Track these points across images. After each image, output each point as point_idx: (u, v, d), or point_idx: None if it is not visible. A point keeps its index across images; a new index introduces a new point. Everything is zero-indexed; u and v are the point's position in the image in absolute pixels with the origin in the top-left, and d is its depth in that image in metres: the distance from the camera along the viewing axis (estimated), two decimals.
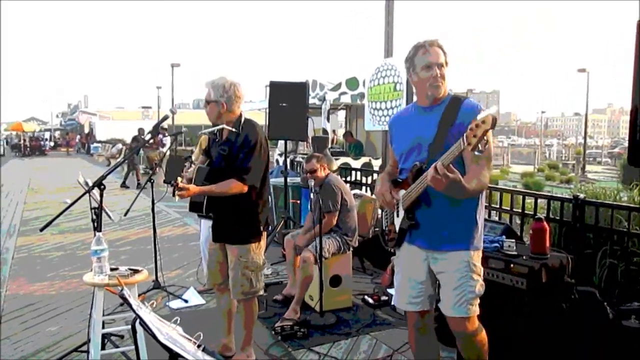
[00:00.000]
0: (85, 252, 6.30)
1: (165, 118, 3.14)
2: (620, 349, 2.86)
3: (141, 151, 15.87)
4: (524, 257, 2.98)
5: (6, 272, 5.72)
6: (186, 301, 4.63)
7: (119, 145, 21.66)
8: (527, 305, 2.87)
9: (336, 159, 9.19)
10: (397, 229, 2.57)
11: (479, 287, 2.44)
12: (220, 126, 3.10)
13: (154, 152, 14.96)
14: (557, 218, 4.13)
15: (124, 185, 13.83)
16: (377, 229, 6.32)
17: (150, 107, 42.94)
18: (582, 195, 3.98)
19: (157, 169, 7.29)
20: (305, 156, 4.82)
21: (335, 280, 4.48)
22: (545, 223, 3.06)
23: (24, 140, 36.21)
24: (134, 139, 13.65)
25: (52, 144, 42.25)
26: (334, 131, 15.07)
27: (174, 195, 2.90)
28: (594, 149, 46.38)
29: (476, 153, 2.01)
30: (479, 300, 2.45)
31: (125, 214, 4.57)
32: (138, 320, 1.61)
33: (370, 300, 4.60)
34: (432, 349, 2.76)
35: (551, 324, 2.85)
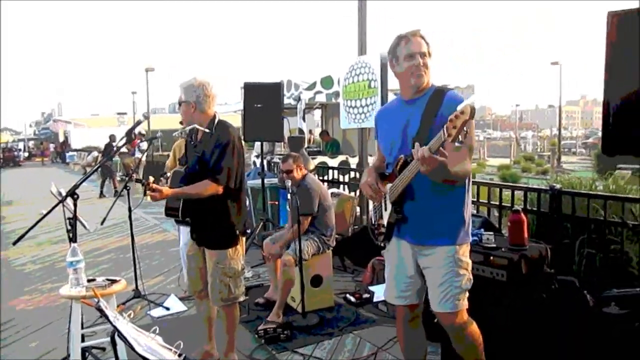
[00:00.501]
0: (63, 264, 6.18)
1: (139, 123, 3.10)
2: (601, 335, 2.90)
3: (117, 158, 15.66)
4: (503, 249, 3.00)
5: None
6: (167, 309, 4.56)
7: (95, 153, 21.32)
8: (508, 296, 2.88)
9: (313, 159, 9.16)
10: (386, 223, 2.56)
11: (466, 281, 2.43)
12: (192, 126, 3.05)
13: (129, 158, 14.77)
14: (535, 209, 4.17)
15: (102, 194, 13.63)
16: (356, 227, 6.34)
17: (125, 113, 42.41)
18: (558, 186, 4.03)
19: (134, 175, 7.19)
20: (282, 157, 4.78)
21: (316, 280, 4.46)
22: (522, 215, 3.09)
23: None
24: (107, 146, 13.42)
25: (26, 154, 41.44)
26: (310, 131, 15.05)
27: (144, 194, 2.83)
28: (568, 139, 47.19)
29: (456, 144, 2.01)
30: (467, 294, 2.46)
31: (102, 223, 4.47)
32: (116, 333, 1.57)
33: (352, 299, 4.60)
34: (420, 343, 2.77)
35: (532, 315, 2.87)
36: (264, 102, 6.35)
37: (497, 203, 4.56)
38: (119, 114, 43.93)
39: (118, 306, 4.44)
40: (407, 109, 2.46)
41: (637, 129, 2.59)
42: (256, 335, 3.91)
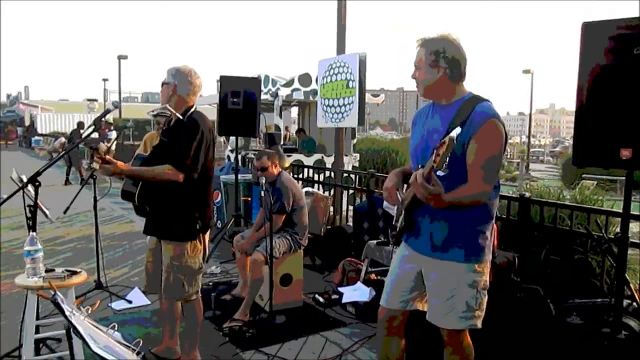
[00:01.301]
0: (22, 251, 5.98)
1: (108, 112, 2.99)
2: (562, 345, 2.93)
3: (82, 146, 15.29)
4: None
5: None
6: (130, 302, 4.46)
7: (62, 139, 20.80)
8: None
9: (288, 156, 9.12)
10: (398, 227, 2.48)
11: (473, 300, 2.29)
12: (164, 106, 2.97)
13: (98, 145, 14.44)
14: (504, 216, 4.21)
15: (67, 182, 13.31)
16: (329, 227, 6.32)
17: (96, 99, 41.50)
18: (527, 194, 4.07)
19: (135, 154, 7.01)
20: (257, 153, 4.72)
21: (286, 280, 4.42)
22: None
23: None
24: (73, 132, 13.07)
25: None
26: (287, 127, 14.97)
27: (91, 160, 2.66)
28: (537, 147, 48.10)
29: (439, 173, 1.95)
30: (476, 313, 2.31)
31: (65, 212, 4.33)
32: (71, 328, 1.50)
33: (321, 299, 4.57)
34: (395, 348, 2.62)
35: (497, 322, 2.89)
36: (241, 96, 6.26)
37: None
38: (88, 100, 42.90)
39: (77, 298, 4.32)
40: (437, 115, 2.35)
41: (608, 140, 2.63)
42: (221, 333, 3.84)
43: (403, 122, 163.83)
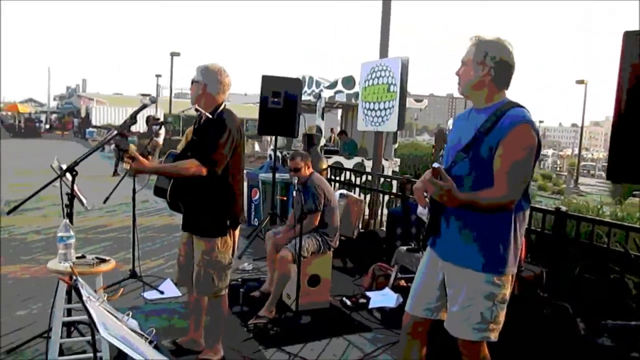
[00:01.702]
0: (77, 237, 6.21)
1: (144, 107, 3.08)
2: None
3: (135, 139, 15.78)
4: None
5: None
6: (162, 292, 4.58)
7: (114, 132, 21.53)
8: None
9: (328, 158, 9.14)
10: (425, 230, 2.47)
11: (486, 311, 2.24)
12: (194, 106, 3.04)
13: (146, 139, 14.87)
14: (538, 230, 4.09)
15: (115, 173, 13.78)
16: (362, 230, 6.30)
17: (149, 94, 42.73)
18: (564, 208, 3.94)
19: (150, 157, 7.22)
20: (290, 154, 4.75)
21: (314, 280, 4.43)
22: None
23: (19, 121, 36.00)
24: (124, 125, 13.50)
25: (47, 126, 42.01)
26: (332, 129, 14.99)
27: (121, 160, 2.78)
28: (589, 161, 46.41)
29: (435, 164, 1.98)
30: (493, 327, 2.26)
31: (105, 201, 4.49)
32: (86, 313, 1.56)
33: (348, 303, 4.56)
34: (416, 356, 2.60)
35: (521, 338, 2.81)
36: (281, 96, 6.33)
37: None
38: (142, 95, 44.26)
39: (111, 286, 4.47)
40: (472, 118, 2.33)
41: None
42: (246, 329, 3.89)
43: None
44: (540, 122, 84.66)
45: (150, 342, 1.81)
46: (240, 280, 4.85)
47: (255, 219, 7.62)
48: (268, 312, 4.08)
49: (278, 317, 4.09)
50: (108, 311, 1.76)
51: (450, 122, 2.19)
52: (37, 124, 37.49)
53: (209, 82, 3.05)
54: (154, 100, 3.09)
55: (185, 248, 3.26)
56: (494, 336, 2.28)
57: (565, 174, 26.82)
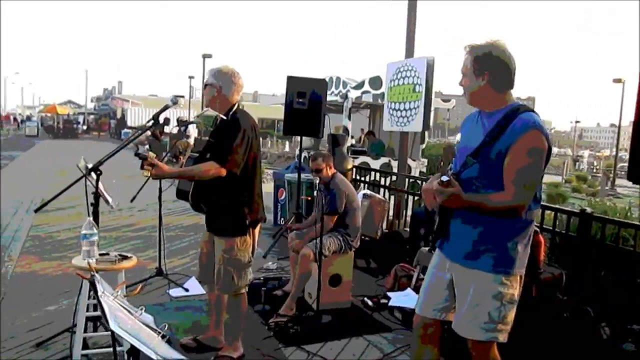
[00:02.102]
0: (105, 235, 6.36)
1: (166, 107, 3.16)
2: None
3: (167, 140, 16.10)
4: None
5: (17, 251, 5.86)
6: (187, 290, 4.67)
7: (148, 132, 21.99)
8: (515, 319, 2.78)
9: (355, 158, 9.14)
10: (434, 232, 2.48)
11: (494, 311, 2.23)
12: (207, 109, 3.11)
13: (179, 141, 15.12)
14: (562, 232, 4.01)
15: None
16: (386, 231, 6.29)
17: (182, 96, 43.41)
18: (589, 210, 3.86)
19: (181, 157, 7.35)
20: (312, 155, 4.78)
21: (335, 280, 4.45)
22: (540, 236, 2.98)
23: (57, 122, 37.10)
24: (158, 126, 13.81)
25: (84, 127, 43.17)
26: (362, 130, 14.97)
27: (141, 168, 2.84)
28: (627, 162, 44.76)
29: (444, 178, 2.02)
30: (502, 327, 2.25)
31: (132, 200, 4.60)
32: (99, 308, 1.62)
33: (370, 303, 4.56)
34: (429, 358, 2.58)
35: (540, 341, 2.77)
36: (307, 97, 6.36)
37: None
38: (175, 96, 44.97)
39: (138, 283, 4.59)
40: (481, 122, 2.33)
41: None
42: (267, 327, 3.94)
43: None
44: (577, 122, 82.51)
45: (163, 337, 1.86)
46: (262, 279, 4.90)
47: (282, 219, 7.68)
48: (288, 309, 4.12)
49: (299, 315, 4.12)
50: (122, 306, 1.82)
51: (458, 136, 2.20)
52: (75, 125, 38.60)
53: (223, 84, 3.12)
54: (175, 102, 3.15)
55: (207, 246, 3.33)
56: (502, 337, 2.27)
57: (601, 175, 26.06)
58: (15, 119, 52.82)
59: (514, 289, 2.25)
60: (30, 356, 3.36)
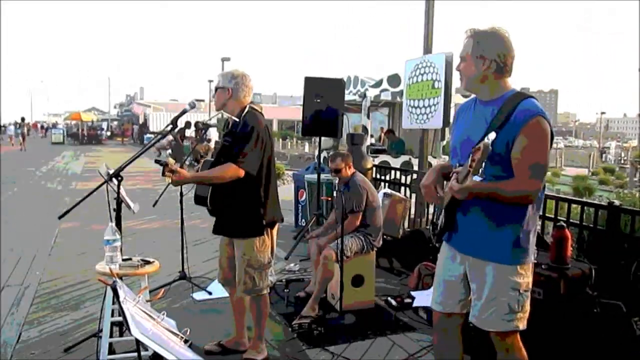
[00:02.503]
0: (128, 240, 6.44)
1: (184, 112, 3.17)
2: None
3: (189, 144, 16.28)
4: (543, 266, 2.84)
5: (46, 257, 5.96)
6: (210, 293, 4.69)
7: (169, 137, 22.24)
8: (544, 316, 2.72)
9: (375, 157, 9.10)
10: (439, 225, 2.45)
11: (515, 302, 2.23)
12: (219, 112, 3.12)
13: (199, 144, 15.28)
14: (590, 225, 3.92)
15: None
16: (408, 230, 6.23)
17: (202, 99, 43.85)
18: (617, 202, 3.76)
19: (202, 161, 7.39)
20: (331, 155, 4.76)
21: (358, 280, 4.42)
22: (566, 231, 2.91)
23: (82, 129, 37.75)
24: (180, 131, 13.98)
25: (108, 133, 43.85)
26: (382, 128, 14.89)
27: (163, 174, 2.86)
28: None
29: (476, 178, 1.98)
30: (521, 316, 2.26)
31: (154, 205, 4.66)
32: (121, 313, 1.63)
33: (393, 302, 4.52)
34: (453, 354, 2.58)
35: (570, 337, 2.71)
36: (324, 97, 6.35)
37: (552, 216, 4.31)
38: (196, 100, 45.38)
39: (162, 287, 4.63)
40: (478, 110, 2.30)
41: None
42: (290, 329, 3.93)
43: None
44: (603, 113, 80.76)
45: (186, 342, 1.86)
46: (284, 280, 4.90)
47: (303, 220, 7.68)
48: (311, 311, 4.11)
49: (322, 317, 4.11)
50: (144, 311, 1.82)
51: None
52: (99, 132, 39.25)
53: (234, 87, 3.13)
54: (193, 106, 3.18)
55: (228, 249, 3.33)
56: (522, 325, 2.28)
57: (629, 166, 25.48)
58: (42, 127, 53.96)
59: (529, 277, 2.27)
60: None
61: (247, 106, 3.18)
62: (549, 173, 22.13)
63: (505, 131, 2.11)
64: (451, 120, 7.42)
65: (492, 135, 1.95)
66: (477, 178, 1.96)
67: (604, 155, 37.76)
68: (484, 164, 1.90)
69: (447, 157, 9.90)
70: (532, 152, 2.10)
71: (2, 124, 33.96)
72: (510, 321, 2.25)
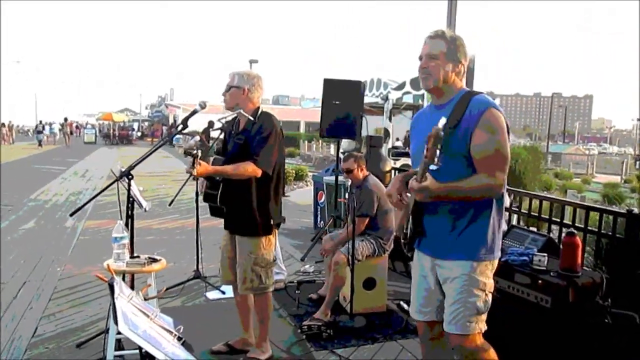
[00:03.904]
0: (144, 238, 6.56)
1: (194, 112, 3.20)
2: None
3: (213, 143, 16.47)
4: (552, 274, 2.77)
5: (68, 253, 6.10)
6: (223, 292, 4.71)
7: (197, 137, 22.51)
8: (551, 325, 2.66)
9: (396, 160, 9.04)
10: (408, 234, 2.44)
11: (481, 303, 2.25)
12: (237, 111, 3.15)
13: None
14: (609, 233, 3.81)
15: (195, 177, 14.36)
16: None
17: None
18: (636, 210, 3.64)
19: (213, 158, 7.44)
20: (344, 156, 4.73)
21: (369, 283, 4.39)
22: (577, 238, 2.83)
23: (113, 129, 38.58)
24: (204, 131, 14.12)
25: (139, 134, 44.69)
26: (407, 131, 14.80)
27: (192, 166, 2.89)
28: None
29: (432, 167, 1.98)
30: (482, 317, 2.27)
31: (170, 204, 4.72)
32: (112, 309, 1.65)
33: (406, 307, 4.46)
34: (443, 356, 2.58)
35: (578, 347, 2.63)
36: (343, 99, 6.33)
37: (569, 223, 4.20)
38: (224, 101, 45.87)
39: (177, 286, 4.69)
40: (434, 114, 2.32)
41: None
42: (299, 330, 3.93)
43: (539, 128, 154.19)
44: (639, 119, 78.45)
45: (179, 339, 1.87)
46: (296, 282, 4.90)
47: (322, 222, 7.67)
48: (323, 315, 4.09)
49: (333, 319, 4.09)
50: (139, 308, 1.84)
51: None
52: (130, 132, 40.04)
53: (250, 87, 3.16)
54: (203, 106, 3.20)
55: (230, 249, 3.35)
56: (484, 326, 2.30)
57: None
58: (77, 127, 55.31)
59: (487, 277, 2.27)
60: (71, 355, 3.48)
61: (260, 108, 3.22)
62: (578, 180, 21.71)
63: (461, 129, 2.15)
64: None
65: (443, 121, 1.97)
66: (433, 167, 1.97)
67: (638, 162, 36.69)
68: (438, 151, 1.92)
69: None
70: (491, 145, 2.13)
71: (43, 124, 35.26)
72: (474, 323, 2.26)
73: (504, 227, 2.35)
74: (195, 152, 2.92)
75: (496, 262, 2.31)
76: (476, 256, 2.24)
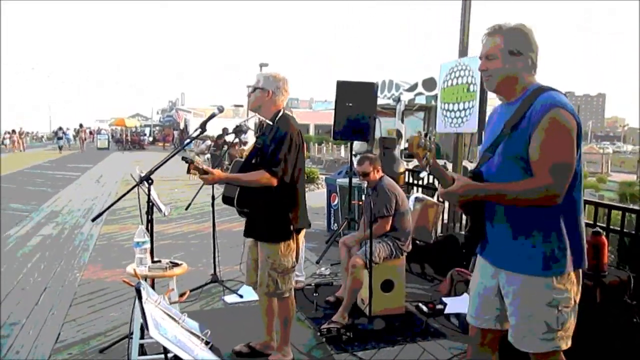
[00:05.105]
0: (161, 243, 6.58)
1: (213, 116, 3.21)
2: None
3: (225, 148, 16.50)
4: None
5: (86, 259, 6.14)
6: (241, 296, 4.72)
7: (208, 142, 22.58)
8: (578, 326, 2.62)
9: (409, 161, 8.99)
10: (465, 236, 2.35)
11: (554, 318, 2.04)
12: (254, 115, 3.15)
13: (234, 149, 15.47)
14: (632, 232, 3.76)
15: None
16: (441, 235, 6.13)
17: (241, 105, 44.33)
18: None
19: (234, 161, 7.47)
20: (358, 158, 4.73)
21: (387, 285, 4.38)
22: (603, 237, 2.79)
23: (125, 135, 38.86)
24: (219, 137, 14.20)
25: (150, 138, 44.98)
26: (419, 132, 14.71)
27: (188, 172, 2.90)
28: None
29: (423, 174, 1.97)
30: (562, 334, 2.06)
31: (187, 208, 4.74)
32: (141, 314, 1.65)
33: (425, 308, 4.45)
34: None
35: (606, 348, 2.60)
36: (356, 101, 6.33)
37: (591, 222, 4.15)
38: (235, 106, 46.01)
39: (195, 290, 4.71)
40: (502, 111, 2.20)
41: None
42: (319, 333, 3.92)
43: None
44: None
45: (207, 343, 1.88)
46: (314, 285, 4.89)
47: (335, 224, 7.66)
48: (341, 318, 4.08)
49: (351, 322, 4.08)
50: (166, 313, 1.85)
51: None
52: (142, 137, 40.33)
53: (276, 90, 3.16)
54: (221, 110, 3.22)
55: (254, 251, 3.35)
56: (565, 344, 2.09)
57: None
58: (90, 132, 55.77)
59: (571, 292, 2.06)
60: None
61: (282, 110, 3.20)
62: (593, 179, 21.49)
63: (520, 131, 2.01)
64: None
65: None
66: (424, 173, 1.95)
67: None
68: (424, 158, 1.90)
69: None
70: (550, 149, 1.95)
71: (63, 130, 35.97)
72: (550, 340, 2.06)
73: (584, 236, 2.15)
74: (190, 158, 2.93)
75: (573, 275, 2.08)
76: (537, 270, 2.04)
